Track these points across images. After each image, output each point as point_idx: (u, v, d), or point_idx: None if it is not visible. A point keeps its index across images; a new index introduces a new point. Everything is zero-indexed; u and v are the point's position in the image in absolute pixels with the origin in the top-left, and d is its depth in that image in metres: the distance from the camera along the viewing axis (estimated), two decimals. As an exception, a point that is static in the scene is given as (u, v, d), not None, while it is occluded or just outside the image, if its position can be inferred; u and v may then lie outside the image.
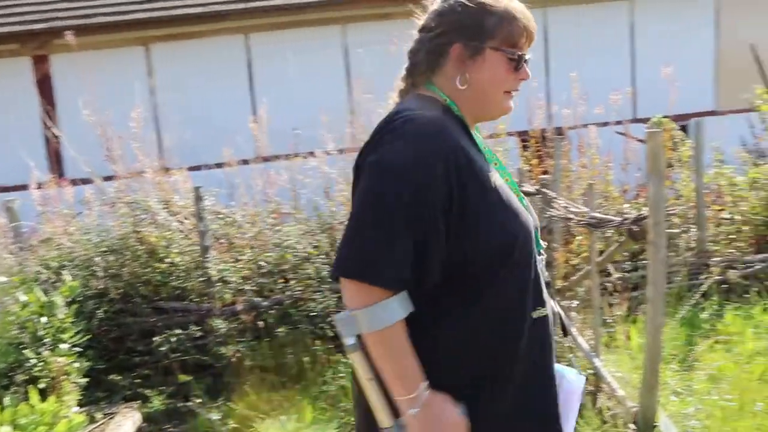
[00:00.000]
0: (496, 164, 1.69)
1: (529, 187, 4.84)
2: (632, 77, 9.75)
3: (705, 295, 5.40)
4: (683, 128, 7.26)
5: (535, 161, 6.38)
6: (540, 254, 1.72)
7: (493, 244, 1.57)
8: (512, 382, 1.61)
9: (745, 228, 6.07)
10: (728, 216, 6.16)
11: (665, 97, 7.66)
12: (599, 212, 4.12)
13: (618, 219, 3.64)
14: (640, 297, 5.06)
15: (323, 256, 5.48)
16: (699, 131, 5.88)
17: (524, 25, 1.63)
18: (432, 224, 1.51)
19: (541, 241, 1.74)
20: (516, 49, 1.63)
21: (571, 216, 4.02)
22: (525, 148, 6.64)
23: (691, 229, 5.90)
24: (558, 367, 1.75)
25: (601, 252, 4.57)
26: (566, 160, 6.23)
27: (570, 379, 1.75)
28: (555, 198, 4.39)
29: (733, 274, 5.67)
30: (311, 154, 6.35)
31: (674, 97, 7.12)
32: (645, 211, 3.30)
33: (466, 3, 1.61)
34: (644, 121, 8.99)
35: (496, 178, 1.63)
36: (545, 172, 6.25)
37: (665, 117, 7.44)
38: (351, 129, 6.52)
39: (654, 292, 3.28)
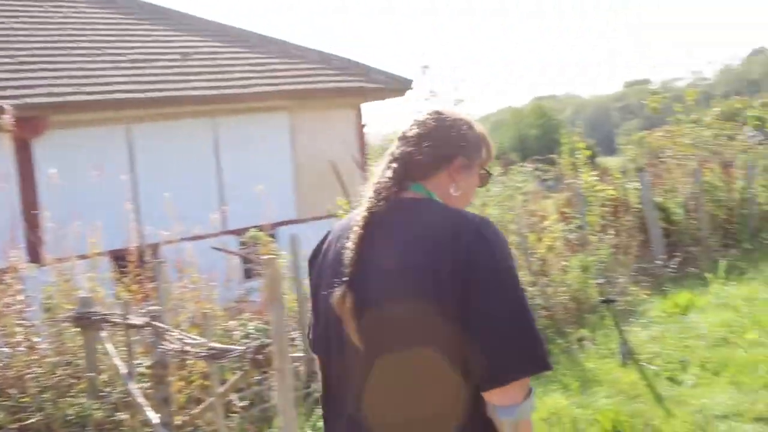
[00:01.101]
0: None
1: (136, 319, 4.53)
2: (219, 190, 10.00)
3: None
4: (271, 236, 7.57)
5: (135, 287, 6.05)
6: None
7: None
8: None
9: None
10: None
11: (251, 207, 7.96)
12: (216, 342, 4.01)
13: (240, 348, 3.58)
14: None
15: None
16: (294, 244, 6.13)
17: (491, 149, 1.98)
18: None
19: None
20: (486, 168, 1.99)
21: (188, 349, 3.84)
22: (122, 270, 6.27)
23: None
24: None
25: (223, 382, 4.40)
26: (167, 283, 6.00)
27: None
28: (168, 330, 4.16)
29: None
30: None
31: (267, 209, 7.45)
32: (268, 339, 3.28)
33: (471, 125, 1.91)
34: (236, 232, 9.23)
35: None
36: (146, 297, 5.95)
37: (256, 228, 7.71)
38: None
39: (285, 421, 3.25)
